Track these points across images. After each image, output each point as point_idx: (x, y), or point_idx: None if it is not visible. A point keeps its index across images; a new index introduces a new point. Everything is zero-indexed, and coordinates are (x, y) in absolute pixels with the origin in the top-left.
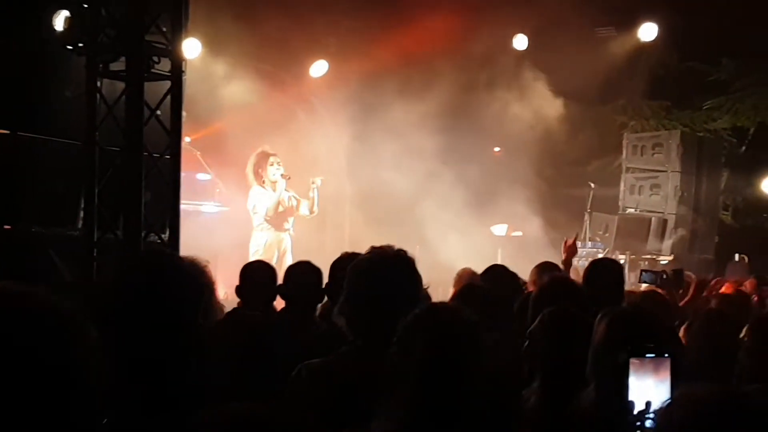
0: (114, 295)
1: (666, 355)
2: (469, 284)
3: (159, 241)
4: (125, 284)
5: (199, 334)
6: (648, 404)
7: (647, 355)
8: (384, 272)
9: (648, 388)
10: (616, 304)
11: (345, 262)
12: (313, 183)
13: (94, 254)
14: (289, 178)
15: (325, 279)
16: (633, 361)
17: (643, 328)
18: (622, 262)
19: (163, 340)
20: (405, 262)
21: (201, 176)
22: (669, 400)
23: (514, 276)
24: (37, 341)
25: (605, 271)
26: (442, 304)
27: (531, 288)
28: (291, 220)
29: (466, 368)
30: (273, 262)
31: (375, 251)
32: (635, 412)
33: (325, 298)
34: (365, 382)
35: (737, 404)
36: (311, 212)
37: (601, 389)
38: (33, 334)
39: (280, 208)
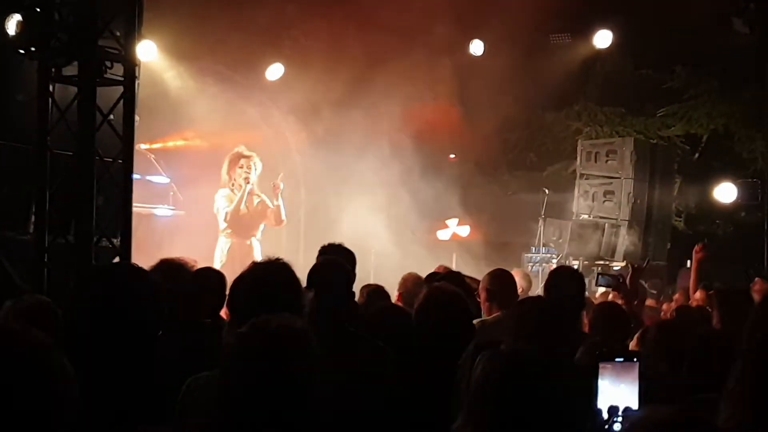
0: (72, 306)
1: (635, 359)
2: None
3: (111, 246)
4: (83, 296)
5: (156, 345)
6: (616, 408)
7: (616, 359)
8: (262, 283)
9: (617, 392)
10: (577, 313)
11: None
12: (276, 187)
13: (45, 259)
14: (249, 182)
15: None
16: (602, 365)
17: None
18: (575, 267)
19: (118, 353)
20: (284, 271)
21: (155, 179)
22: (632, 419)
23: (463, 282)
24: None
25: (567, 279)
26: (269, 317)
27: (482, 294)
28: (261, 227)
29: (295, 383)
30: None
31: (255, 264)
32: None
33: None
34: None
35: (696, 426)
36: (278, 222)
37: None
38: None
39: (244, 210)
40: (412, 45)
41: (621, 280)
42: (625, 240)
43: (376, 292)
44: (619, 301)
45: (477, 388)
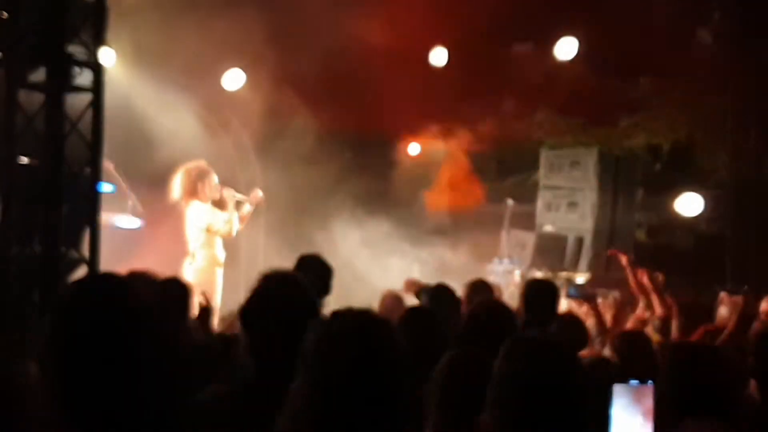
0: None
1: (649, 382)
2: (414, 307)
3: (78, 256)
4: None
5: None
6: None
7: (631, 382)
8: (284, 299)
9: (629, 417)
10: (548, 325)
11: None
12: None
13: (11, 269)
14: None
15: None
16: (616, 387)
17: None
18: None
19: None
20: (300, 286)
21: (113, 188)
22: None
23: (457, 300)
24: None
25: (542, 292)
26: (354, 310)
27: (465, 306)
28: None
29: (385, 375)
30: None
31: (269, 277)
32: None
33: None
34: (264, 412)
35: None
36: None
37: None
38: None
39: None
40: (374, 54)
41: (590, 292)
42: (588, 251)
43: None
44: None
45: (500, 374)
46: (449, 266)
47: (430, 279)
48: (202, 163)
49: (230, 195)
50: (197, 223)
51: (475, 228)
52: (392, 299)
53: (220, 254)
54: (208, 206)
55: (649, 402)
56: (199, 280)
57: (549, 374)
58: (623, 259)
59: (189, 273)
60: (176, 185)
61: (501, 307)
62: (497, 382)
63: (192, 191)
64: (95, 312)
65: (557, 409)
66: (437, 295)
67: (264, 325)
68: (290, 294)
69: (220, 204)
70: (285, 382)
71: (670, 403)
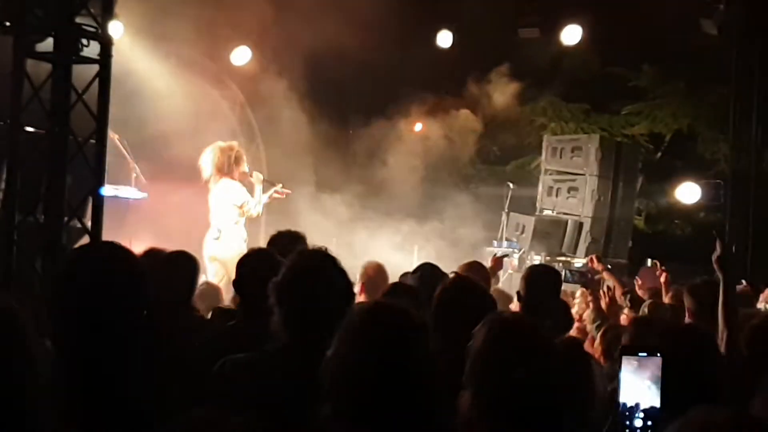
0: (60, 289)
1: (658, 354)
2: (397, 283)
3: (80, 226)
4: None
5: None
6: (637, 405)
7: (639, 354)
8: (318, 272)
9: (638, 387)
10: (552, 310)
11: (252, 259)
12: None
13: (14, 237)
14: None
15: None
16: (624, 358)
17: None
18: (536, 263)
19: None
20: (333, 260)
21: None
22: (686, 419)
23: (443, 275)
24: None
25: (543, 277)
26: (388, 303)
27: None
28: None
29: (412, 371)
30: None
31: (303, 252)
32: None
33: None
34: (292, 379)
35: (752, 429)
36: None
37: (481, 397)
38: None
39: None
40: (380, 35)
41: (590, 277)
42: (587, 237)
43: None
44: (588, 298)
45: (477, 352)
46: (448, 248)
47: (428, 259)
48: (234, 144)
49: (258, 178)
50: (234, 200)
51: (474, 210)
52: (375, 270)
53: (244, 233)
54: (241, 185)
55: (656, 368)
56: (229, 256)
57: (522, 353)
58: (663, 276)
59: (216, 248)
60: (207, 162)
61: (473, 284)
62: (471, 361)
63: (227, 170)
64: (93, 279)
65: (531, 388)
66: (423, 273)
67: (298, 300)
68: (325, 270)
69: (246, 186)
70: (314, 353)
71: (674, 381)
